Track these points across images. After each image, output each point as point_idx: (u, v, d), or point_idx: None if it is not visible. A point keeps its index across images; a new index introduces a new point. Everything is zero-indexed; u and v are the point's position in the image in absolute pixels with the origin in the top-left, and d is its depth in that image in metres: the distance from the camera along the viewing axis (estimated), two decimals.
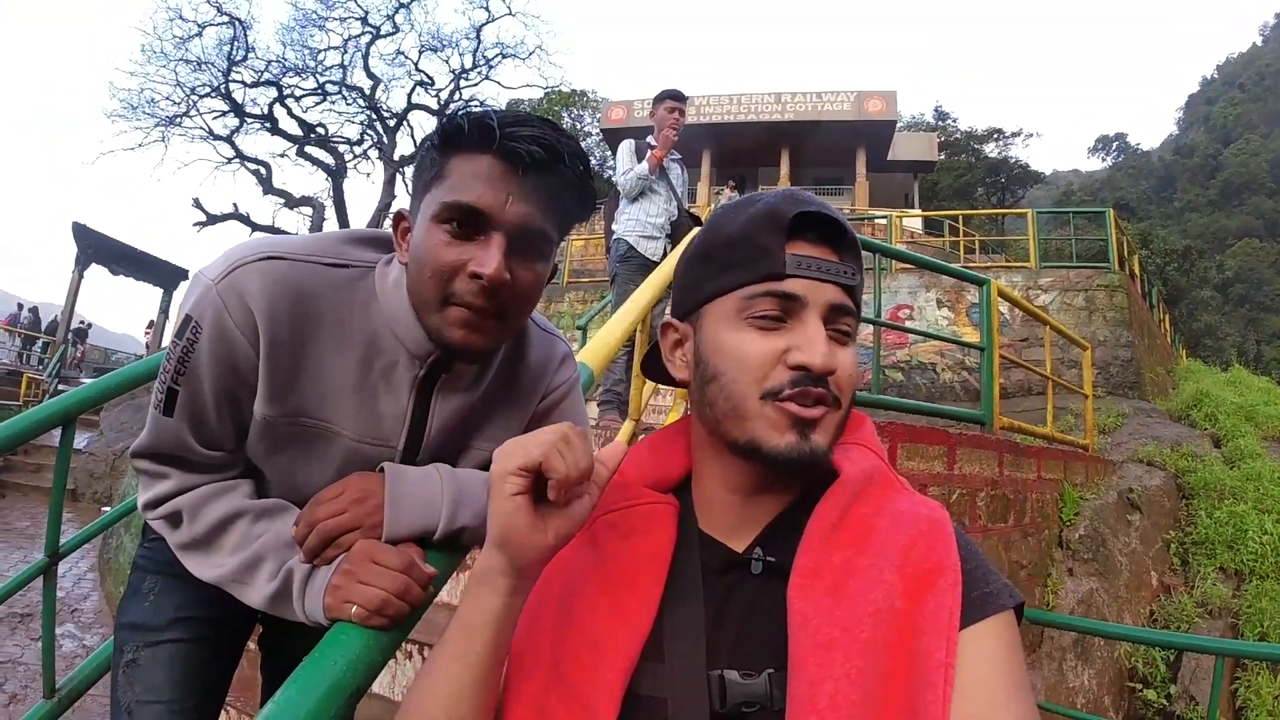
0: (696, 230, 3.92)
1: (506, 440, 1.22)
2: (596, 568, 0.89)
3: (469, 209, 1.00)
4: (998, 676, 0.73)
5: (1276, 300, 48.25)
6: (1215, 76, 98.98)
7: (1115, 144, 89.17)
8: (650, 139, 5.11)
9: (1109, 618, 5.26)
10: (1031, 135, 55.42)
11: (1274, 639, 5.89)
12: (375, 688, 2.75)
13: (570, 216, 1.11)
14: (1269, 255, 50.22)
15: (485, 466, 1.25)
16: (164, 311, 22.29)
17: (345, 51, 22.36)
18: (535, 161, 1.01)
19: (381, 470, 1.14)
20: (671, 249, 4.86)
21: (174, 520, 1.14)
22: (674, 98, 5.04)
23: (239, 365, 1.07)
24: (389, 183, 22.38)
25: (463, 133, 1.01)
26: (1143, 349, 12.16)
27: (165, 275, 22.28)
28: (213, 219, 21.55)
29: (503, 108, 1.09)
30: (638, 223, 5.02)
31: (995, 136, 51.40)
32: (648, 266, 4.86)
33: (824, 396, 0.83)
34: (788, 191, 0.90)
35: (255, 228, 21.91)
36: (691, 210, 5.32)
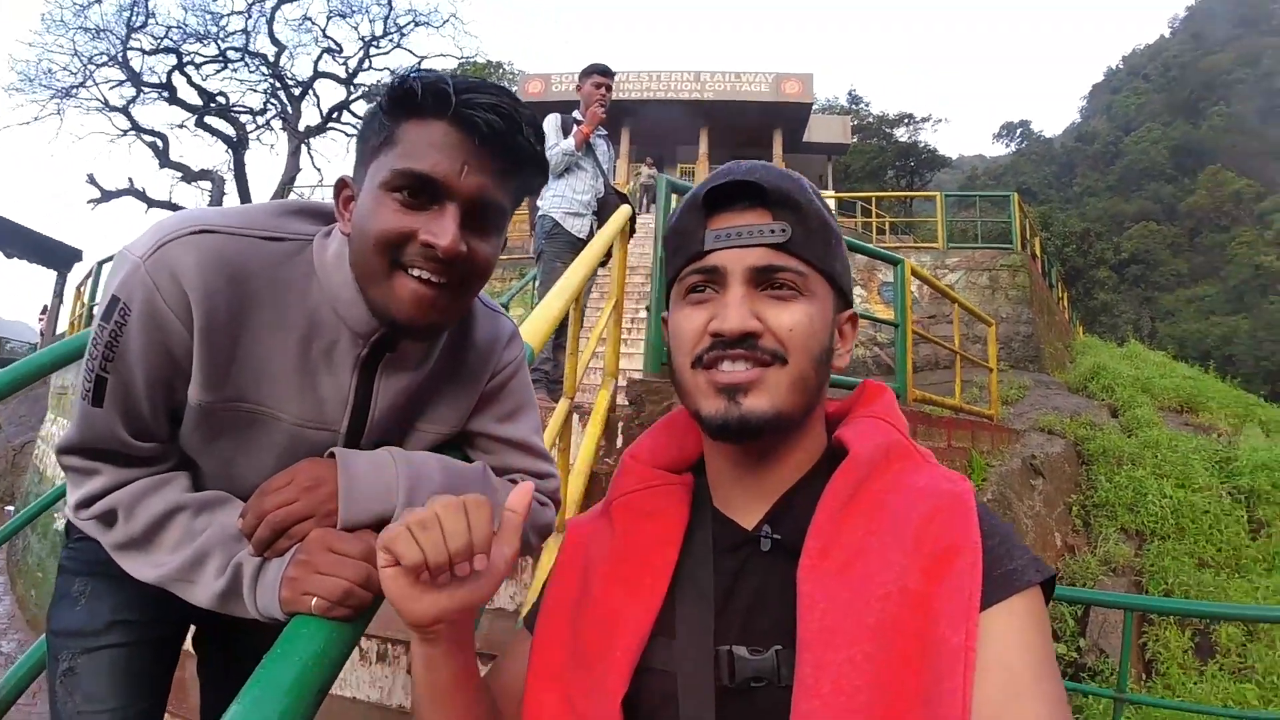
0: (624, 208, 3.92)
1: (454, 421, 1.24)
2: (613, 549, 0.93)
3: (423, 177, 0.96)
4: (1022, 658, 0.71)
5: (1171, 280, 50.89)
6: (1120, 67, 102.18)
7: (1019, 130, 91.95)
8: (576, 114, 5.07)
9: None
10: (940, 120, 56.97)
11: (1178, 595, 6.32)
12: (344, 690, 2.74)
13: (524, 189, 1.08)
14: (1165, 237, 52.81)
15: (433, 449, 1.23)
16: (58, 295, 21.23)
17: (249, 16, 21.54)
18: (493, 131, 0.96)
19: (331, 456, 1.08)
20: (599, 227, 4.83)
21: (108, 519, 1.07)
22: (601, 73, 5.02)
23: (172, 349, 0.99)
24: (293, 154, 21.74)
25: (415, 97, 0.96)
26: (1042, 325, 12.75)
27: (60, 257, 21.21)
28: (108, 195, 20.63)
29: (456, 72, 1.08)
30: (564, 199, 4.99)
31: (906, 121, 52.63)
32: (574, 244, 4.85)
33: (753, 356, 0.84)
34: (720, 169, 0.92)
35: (151, 204, 21.09)
36: (618, 188, 5.34)
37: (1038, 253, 15.14)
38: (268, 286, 1.04)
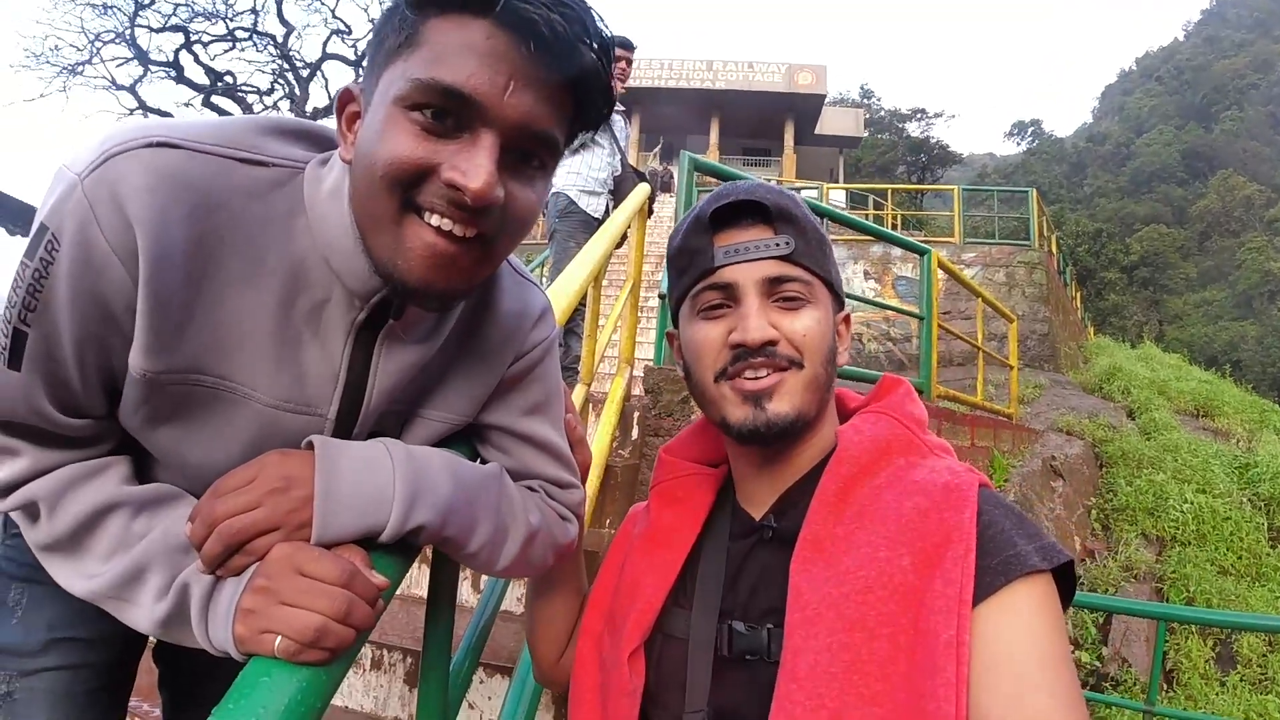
0: (643, 186, 3.69)
1: (467, 409, 1.03)
2: (645, 530, 1.05)
3: (453, 92, 0.72)
4: (1028, 650, 0.70)
5: (1180, 284, 50.50)
6: (1133, 69, 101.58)
7: (1030, 130, 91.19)
8: None
9: None
10: (953, 116, 56.71)
11: (1200, 603, 6.16)
12: (335, 698, 2.54)
13: (583, 120, 0.84)
14: (1175, 241, 52.30)
15: (436, 442, 1.00)
16: None
17: None
18: (555, 36, 0.72)
19: (309, 446, 0.83)
20: (615, 206, 4.64)
21: (30, 512, 0.84)
22: (621, 45, 4.77)
23: (110, 299, 0.75)
24: None
25: None
26: (1058, 324, 12.58)
27: None
28: None
29: None
30: (579, 176, 4.75)
31: (918, 116, 52.52)
32: (589, 223, 4.65)
33: (773, 363, 0.90)
34: (718, 190, 0.98)
35: None
36: (637, 167, 5.14)
37: (1054, 251, 14.95)
38: (241, 223, 0.80)
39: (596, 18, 0.78)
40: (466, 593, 2.79)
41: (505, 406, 1.05)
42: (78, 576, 0.83)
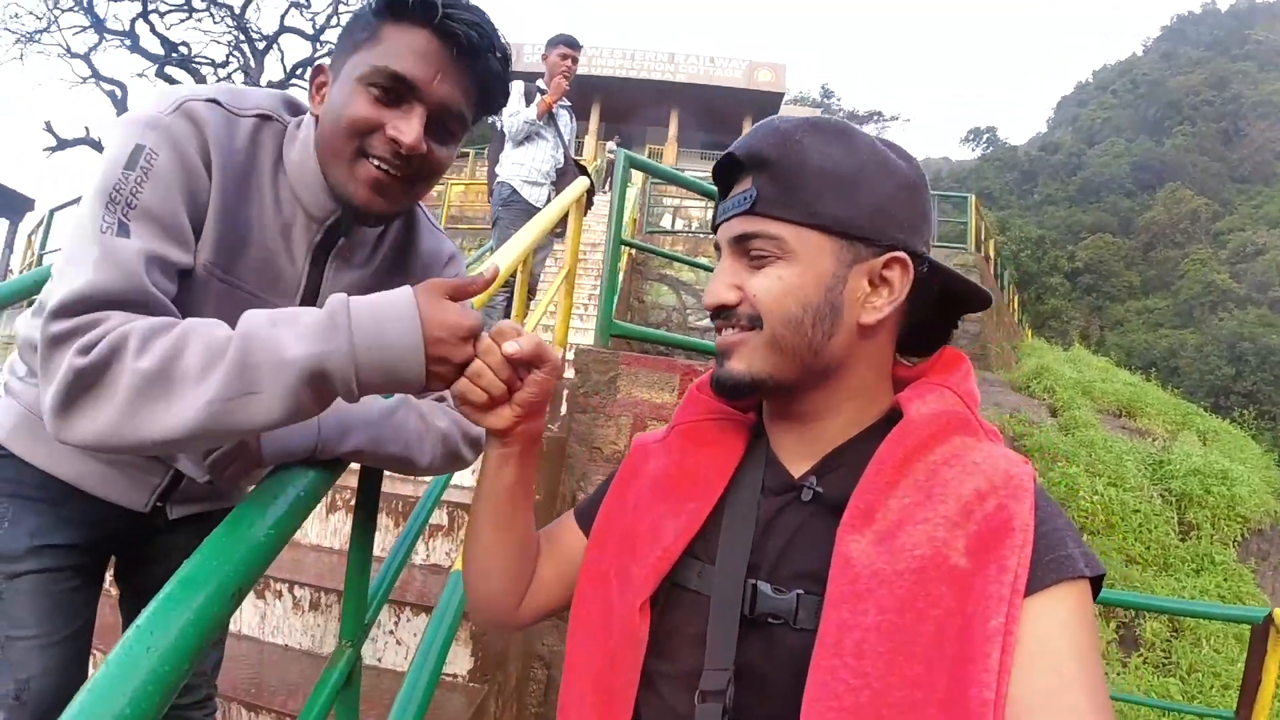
0: (583, 179, 3.90)
1: None
2: (667, 470, 0.98)
3: (399, 77, 1.04)
4: (1067, 647, 0.70)
5: (1121, 291, 51.38)
6: (1089, 81, 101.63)
7: (986, 136, 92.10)
8: (540, 83, 5.04)
9: None
10: (908, 120, 57.62)
11: (1105, 589, 6.54)
12: (245, 629, 2.78)
13: (484, 106, 1.16)
14: (1119, 250, 53.26)
15: None
16: (9, 245, 20.63)
17: None
18: (470, 45, 1.06)
19: None
20: (556, 197, 4.85)
21: (112, 356, 0.85)
22: (568, 44, 4.99)
23: (197, 196, 1.05)
24: None
25: (404, 2, 1.04)
26: (990, 325, 13.05)
27: (11, 205, 20.61)
28: (64, 144, 20.25)
29: None
30: (523, 167, 4.98)
31: (875, 118, 53.26)
32: (530, 212, 4.78)
33: (735, 323, 0.87)
34: None
35: None
36: (579, 160, 5.35)
37: (991, 255, 15.44)
38: (251, 160, 1.12)
39: (500, 35, 1.12)
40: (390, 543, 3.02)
41: None
42: (179, 404, 0.85)
